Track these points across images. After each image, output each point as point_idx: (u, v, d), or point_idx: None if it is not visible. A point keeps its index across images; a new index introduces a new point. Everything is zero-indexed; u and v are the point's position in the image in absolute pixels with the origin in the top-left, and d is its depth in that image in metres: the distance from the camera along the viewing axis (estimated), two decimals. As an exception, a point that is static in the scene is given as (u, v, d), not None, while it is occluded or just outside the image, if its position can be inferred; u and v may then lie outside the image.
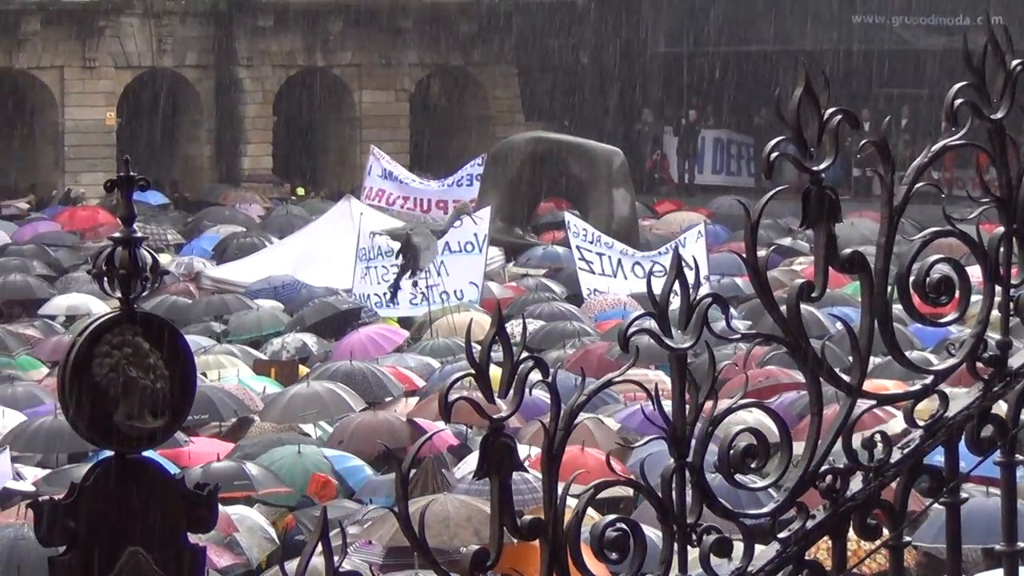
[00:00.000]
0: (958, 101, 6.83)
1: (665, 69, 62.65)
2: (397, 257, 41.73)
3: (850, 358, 6.83)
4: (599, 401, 22.96)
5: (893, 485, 6.97)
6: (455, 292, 39.69)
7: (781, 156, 6.72)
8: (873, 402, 6.91)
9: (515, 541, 6.62)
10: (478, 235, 44.78)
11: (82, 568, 6.87)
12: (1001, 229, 6.87)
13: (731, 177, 58.16)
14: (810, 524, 7.02)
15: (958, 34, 41.42)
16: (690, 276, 7.00)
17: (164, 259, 37.48)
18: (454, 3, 68.02)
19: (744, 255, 6.82)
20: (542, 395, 6.63)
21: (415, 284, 40.95)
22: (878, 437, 6.94)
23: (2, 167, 62.65)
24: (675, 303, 6.64)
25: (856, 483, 7.00)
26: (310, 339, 35.86)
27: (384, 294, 40.02)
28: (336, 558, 6.41)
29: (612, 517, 7.00)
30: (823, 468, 6.97)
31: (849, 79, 48.67)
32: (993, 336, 6.93)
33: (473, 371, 6.15)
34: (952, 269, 6.86)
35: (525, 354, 6.24)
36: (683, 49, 61.64)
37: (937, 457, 6.99)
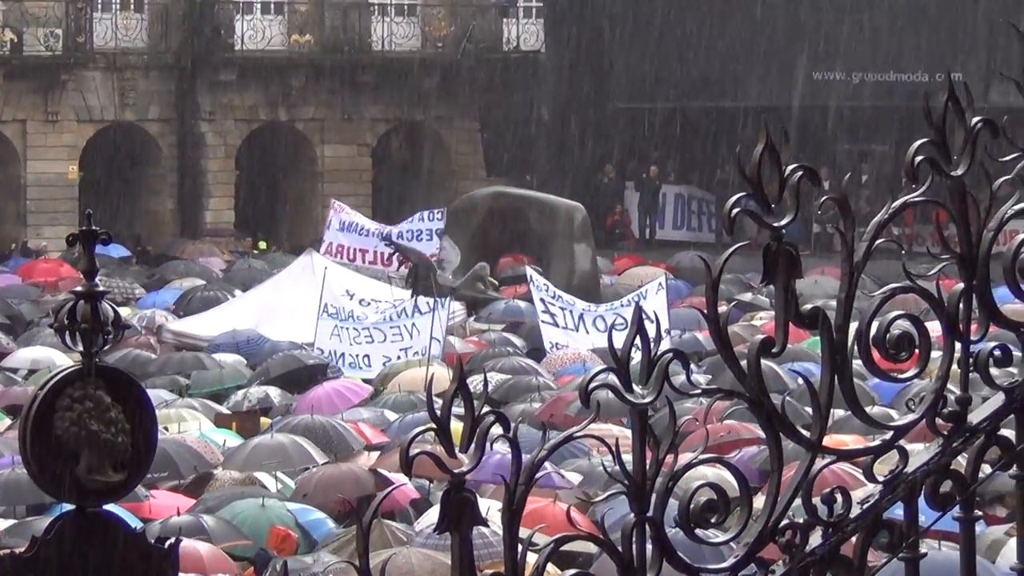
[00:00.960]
0: (918, 158, 6.84)
1: (626, 124, 62.75)
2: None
3: (810, 412, 6.86)
4: (567, 452, 22.99)
5: (852, 540, 6.99)
6: (421, 349, 39.89)
7: (742, 212, 6.73)
8: (833, 458, 6.93)
9: (477, 596, 6.66)
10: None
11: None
12: (961, 285, 6.89)
13: (692, 232, 58.26)
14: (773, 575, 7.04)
15: (919, 91, 41.37)
16: (651, 329, 7.03)
17: (126, 312, 37.49)
18: (415, 58, 68.18)
19: (705, 310, 6.86)
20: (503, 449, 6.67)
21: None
22: (838, 492, 6.97)
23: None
24: (636, 357, 6.65)
25: (816, 538, 7.02)
26: (273, 391, 35.96)
27: (368, 358, 40.13)
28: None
29: (571, 572, 7.03)
30: (783, 523, 6.98)
31: (810, 135, 48.79)
32: (953, 391, 6.95)
33: (434, 425, 6.16)
34: (912, 325, 6.87)
35: (487, 408, 6.26)
36: (644, 105, 61.72)
37: (896, 512, 7.01)
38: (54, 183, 62.64)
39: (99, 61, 64.03)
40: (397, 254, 49.74)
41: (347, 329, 41.57)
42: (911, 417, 7.15)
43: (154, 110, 65.25)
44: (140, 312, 44.30)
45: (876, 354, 6.88)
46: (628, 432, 6.72)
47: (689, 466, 6.70)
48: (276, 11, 67.51)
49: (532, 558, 6.81)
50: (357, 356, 40.16)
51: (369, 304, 43.10)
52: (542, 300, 43.13)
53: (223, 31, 66.00)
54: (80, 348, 6.48)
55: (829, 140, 51.49)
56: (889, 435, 7.03)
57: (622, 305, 41.62)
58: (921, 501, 7.02)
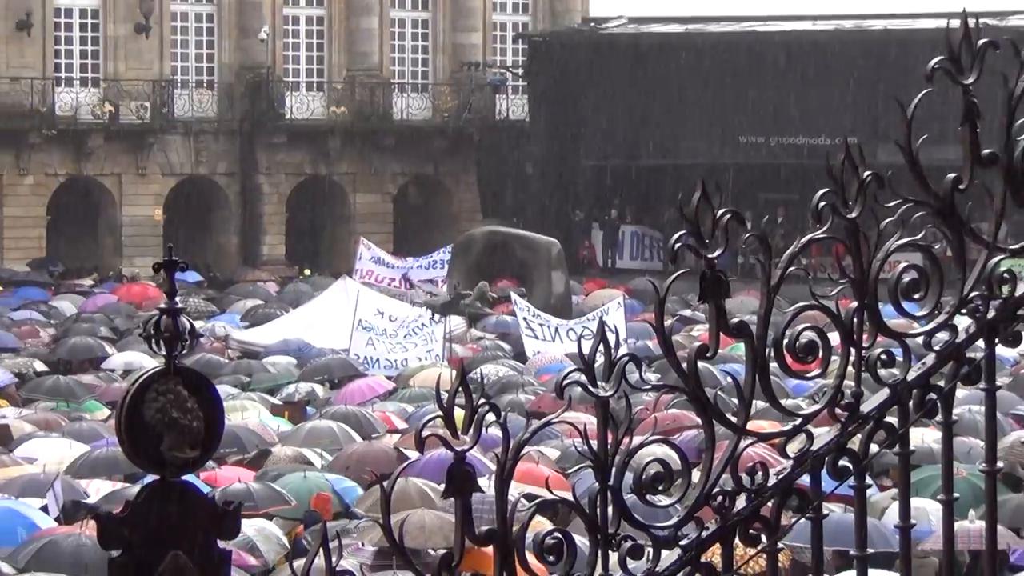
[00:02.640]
0: (822, 203, 6.87)
1: (592, 178, 62.70)
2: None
3: (736, 404, 6.87)
4: (546, 435, 22.98)
5: (770, 504, 7.00)
6: (430, 352, 39.90)
7: (684, 246, 6.76)
8: (754, 439, 6.95)
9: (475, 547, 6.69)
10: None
11: (134, 568, 6.89)
12: (855, 304, 6.92)
13: (645, 262, 58.17)
14: (704, 534, 7.04)
15: (822, 152, 41.62)
16: (612, 339, 7.05)
17: (199, 325, 37.43)
18: (427, 125, 68.01)
19: (654, 323, 6.90)
20: (496, 432, 6.59)
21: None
22: (758, 467, 6.98)
23: (73, 253, 62.46)
24: (600, 360, 6.69)
25: (741, 502, 7.04)
26: (316, 387, 35.94)
27: (392, 362, 40.22)
28: (333, 559, 6.45)
29: (550, 528, 7.03)
30: (715, 490, 6.99)
31: (738, 187, 48.81)
32: (849, 387, 6.96)
33: (441, 413, 6.20)
34: (816, 335, 6.89)
35: (482, 400, 6.28)
36: (607, 162, 61.68)
37: (804, 481, 7.04)
38: (143, 223, 62.42)
39: (179, 127, 63.78)
40: (419, 280, 50.06)
41: (379, 339, 41.60)
42: (816, 407, 7.19)
43: (222, 166, 65.03)
44: (211, 325, 44.12)
45: (788, 358, 6.90)
46: (593, 419, 6.73)
47: (641, 446, 6.71)
48: (317, 88, 67.31)
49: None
50: (390, 360, 40.16)
51: (395, 320, 43.13)
52: (524, 319, 43.20)
53: (275, 104, 65.80)
54: (163, 353, 6.51)
55: (753, 190, 51.39)
56: (799, 421, 7.05)
57: (588, 320, 41.44)
58: (824, 473, 7.04)
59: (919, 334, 7.28)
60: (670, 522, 6.97)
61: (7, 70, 62.57)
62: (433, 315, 43.98)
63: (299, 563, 7.70)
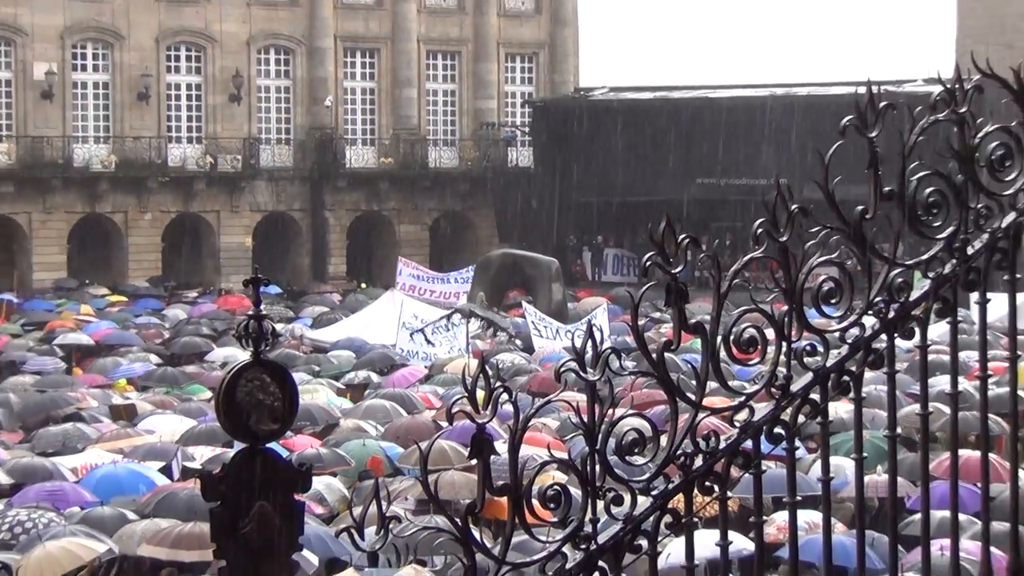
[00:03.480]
0: (759, 230, 6.86)
1: (582, 211, 62.44)
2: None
3: (695, 385, 6.86)
4: (547, 411, 22.96)
5: (721, 462, 7.00)
6: (460, 348, 39.92)
7: (653, 264, 6.75)
8: (708, 412, 6.95)
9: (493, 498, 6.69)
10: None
11: (229, 516, 6.92)
12: (786, 307, 6.90)
13: (623, 276, 57.80)
14: (671, 486, 7.04)
15: (759, 190, 41.26)
16: (598, 336, 7.05)
17: (279, 327, 37.35)
18: (455, 171, 67.75)
19: (630, 323, 6.93)
20: (509, 408, 6.58)
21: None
22: (712, 434, 6.98)
23: (182, 272, 62.28)
24: (589, 352, 6.71)
25: (699, 461, 7.03)
26: (372, 374, 35.84)
27: (428, 354, 40.29)
28: (384, 506, 6.46)
29: (551, 482, 7.03)
30: (678, 452, 6.99)
31: (693, 217, 48.63)
32: (781, 372, 6.96)
33: (466, 394, 6.23)
34: (756, 332, 6.88)
35: (498, 383, 6.29)
36: (593, 199, 61.32)
37: (747, 445, 7.03)
38: (236, 248, 62.27)
39: (263, 175, 63.62)
40: (455, 293, 50.10)
41: (417, 337, 41.65)
42: (756, 388, 7.19)
43: (296, 203, 64.80)
44: (289, 327, 44.10)
45: (734, 350, 6.90)
46: (584, 397, 6.74)
47: (621, 418, 6.73)
48: (370, 143, 67.05)
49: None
50: (426, 353, 40.15)
51: (429, 322, 43.22)
52: (532, 322, 43.10)
53: (338, 156, 65.64)
54: (251, 348, 6.54)
55: (706, 220, 51.10)
56: (743, 399, 7.06)
57: (581, 324, 41.43)
58: (763, 439, 7.03)
59: (836, 331, 7.27)
60: (644, 477, 6.99)
61: (130, 131, 62.50)
62: (459, 318, 44.09)
63: (358, 510, 7.78)
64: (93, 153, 62.17)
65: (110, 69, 63.04)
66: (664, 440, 7.19)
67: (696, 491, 7.26)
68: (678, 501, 7.25)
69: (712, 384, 7.12)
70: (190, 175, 63.55)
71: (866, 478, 8.83)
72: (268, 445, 7.04)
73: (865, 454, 8.38)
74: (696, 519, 7.57)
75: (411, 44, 67.58)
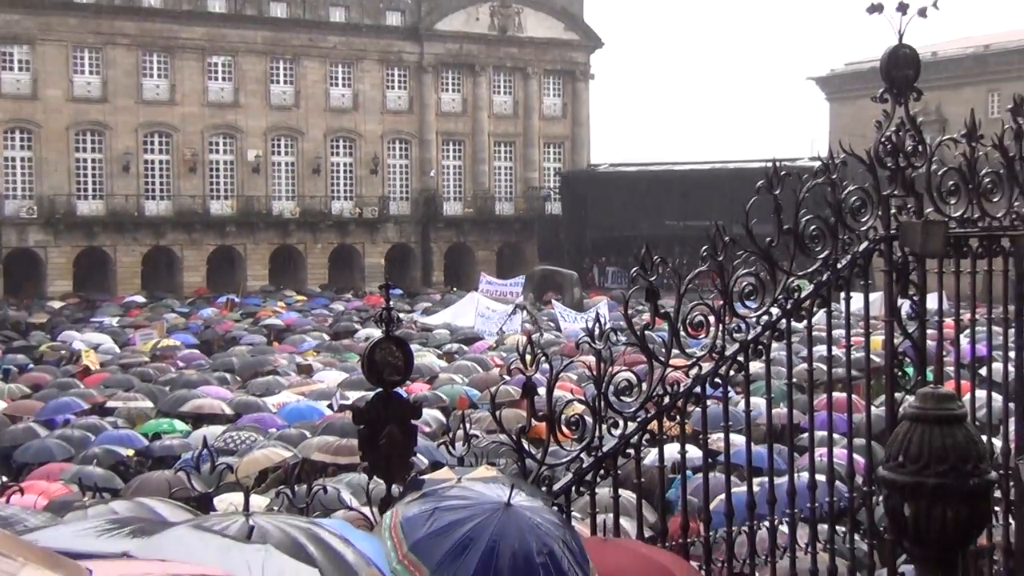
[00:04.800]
0: (705, 253, 6.86)
1: (593, 242, 62.36)
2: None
3: (663, 351, 6.85)
4: (570, 368, 22.93)
5: (680, 401, 6.98)
6: (514, 329, 40.00)
7: (638, 275, 6.76)
8: (673, 368, 6.94)
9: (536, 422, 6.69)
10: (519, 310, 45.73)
11: (370, 434, 6.96)
12: (721, 302, 6.88)
13: (618, 284, 57.18)
14: (649, 416, 7.04)
15: (707, 228, 41.27)
16: (602, 320, 7.02)
17: (401, 316, 37.41)
18: (512, 217, 67.63)
19: (623, 313, 6.92)
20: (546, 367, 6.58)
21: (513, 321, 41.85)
22: (675, 382, 6.97)
23: (341, 280, 62.21)
24: (597, 330, 6.71)
25: (667, 400, 7.02)
26: (461, 345, 35.89)
27: (495, 333, 40.29)
28: (467, 427, 6.47)
29: (573, 413, 7.04)
30: (653, 394, 6.99)
31: (663, 247, 48.59)
32: (719, 343, 6.94)
33: (520, 357, 6.25)
34: (703, 317, 6.87)
35: (540, 352, 6.33)
36: (600, 235, 61.23)
37: (697, 390, 7.00)
38: (375, 266, 62.25)
39: (392, 220, 63.81)
40: (511, 292, 50.13)
41: (488, 321, 41.66)
42: (702, 354, 7.16)
43: (412, 238, 64.78)
44: (407, 316, 44.09)
45: (689, 329, 6.89)
46: (593, 359, 6.76)
47: (617, 372, 6.72)
48: (458, 200, 66.95)
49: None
50: (493, 332, 40.10)
51: (496, 311, 43.17)
52: (560, 313, 43.15)
53: (439, 208, 65.69)
54: (384, 329, 6.56)
55: (672, 248, 51.15)
56: (694, 360, 7.05)
57: (590, 313, 41.32)
58: (707, 386, 7.01)
59: (753, 317, 7.25)
60: (631, 410, 6.98)
61: (308, 192, 62.75)
62: (516, 310, 44.11)
63: (450, 435, 7.88)
64: (284, 206, 62.51)
65: (295, 153, 63.33)
66: (644, 386, 7.21)
67: (665, 419, 7.27)
68: (654, 425, 7.25)
69: (676, 351, 7.14)
70: (346, 220, 63.77)
71: (774, 411, 8.82)
72: (395, 389, 7.09)
73: (773, 395, 8.39)
74: (665, 437, 7.57)
75: (484, 137, 67.71)
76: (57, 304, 51.48)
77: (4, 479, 15.72)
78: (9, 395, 25.94)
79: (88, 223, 57.59)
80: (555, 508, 6.91)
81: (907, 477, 3.41)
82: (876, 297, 7.80)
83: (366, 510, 8.25)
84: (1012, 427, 7.88)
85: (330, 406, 23.41)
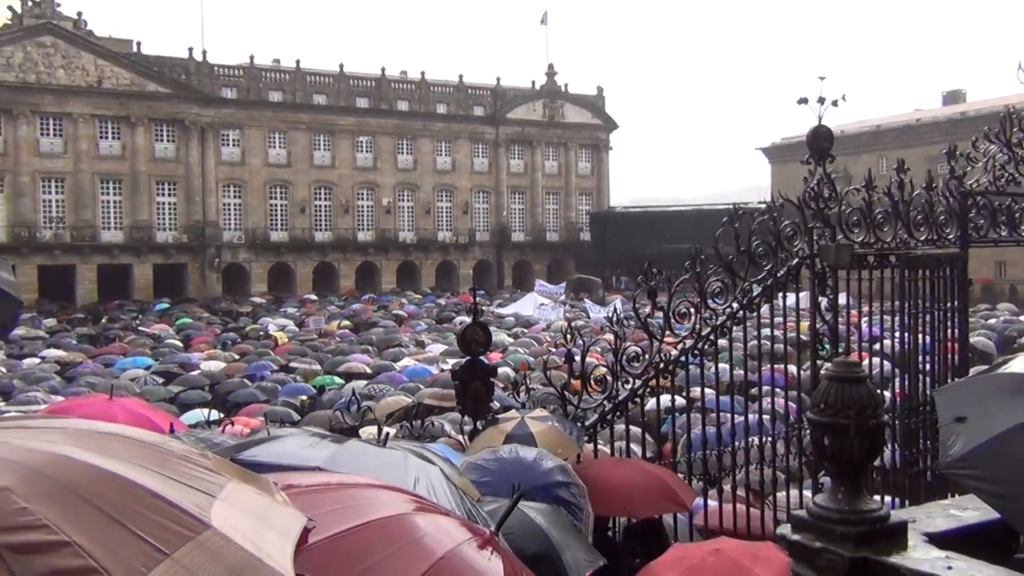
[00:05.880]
0: (688, 265, 6.78)
1: (612, 259, 61.91)
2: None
3: (659, 330, 6.76)
4: (598, 343, 22.87)
5: (672, 365, 6.90)
6: (558, 316, 39.95)
7: (643, 281, 6.70)
8: (668, 343, 6.88)
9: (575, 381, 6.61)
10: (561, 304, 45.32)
11: (462, 390, 6.94)
12: (698, 299, 6.80)
13: (628, 287, 57.46)
14: (650, 375, 6.97)
15: (691, 250, 40.78)
16: (617, 311, 6.92)
17: (484, 308, 37.44)
18: (557, 243, 67.05)
19: (632, 307, 6.80)
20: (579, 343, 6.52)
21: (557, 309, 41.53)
22: (668, 352, 6.89)
23: (444, 284, 62.38)
24: (614, 318, 6.61)
25: (662, 365, 6.95)
26: (523, 328, 35.76)
27: (545, 320, 39.84)
28: (528, 382, 6.41)
29: (599, 374, 6.95)
30: (654, 361, 6.92)
31: (660, 263, 48.69)
32: (697, 327, 6.86)
33: (563, 336, 6.18)
34: (686, 309, 6.79)
35: (578, 336, 6.26)
36: (617, 253, 60.55)
37: (683, 359, 6.91)
38: (466, 275, 62.14)
39: (477, 244, 63.51)
40: (558, 294, 49.57)
41: (542, 311, 41.40)
42: (685, 334, 7.08)
43: (491, 257, 64.70)
44: (487, 308, 43.97)
45: (676, 317, 6.81)
46: (613, 337, 6.71)
47: (628, 346, 6.65)
48: (522, 230, 66.58)
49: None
50: (544, 319, 39.86)
51: (547, 305, 42.84)
52: (588, 306, 42.68)
53: (508, 235, 65.57)
54: (472, 316, 6.52)
55: (668, 264, 50.80)
56: (680, 339, 6.96)
57: (609, 307, 40.86)
58: (689, 356, 6.93)
59: (721, 308, 7.16)
60: (638, 372, 6.91)
61: (423, 226, 62.88)
62: (560, 304, 43.83)
63: (515, 388, 7.81)
64: (406, 235, 62.65)
65: (413, 200, 63.52)
66: (647, 356, 7.15)
67: (661, 378, 7.21)
68: (653, 382, 7.19)
69: (668, 333, 7.08)
70: (447, 244, 63.91)
71: (734, 372, 8.77)
72: (479, 357, 7.08)
73: (733, 362, 8.31)
74: (660, 390, 7.50)
75: (539, 189, 67.54)
76: (257, 299, 52.14)
77: (221, 415, 15.88)
78: (226, 359, 26.32)
79: (277, 246, 58.30)
80: (586, 438, 6.85)
81: (826, 419, 3.36)
82: (803, 296, 7.68)
83: (460, 438, 8.25)
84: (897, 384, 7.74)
85: (435, 368, 23.49)
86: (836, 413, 3.29)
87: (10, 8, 51.00)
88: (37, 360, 26.71)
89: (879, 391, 5.65)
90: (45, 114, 51.46)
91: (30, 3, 50.84)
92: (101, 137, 53.07)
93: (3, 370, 23.32)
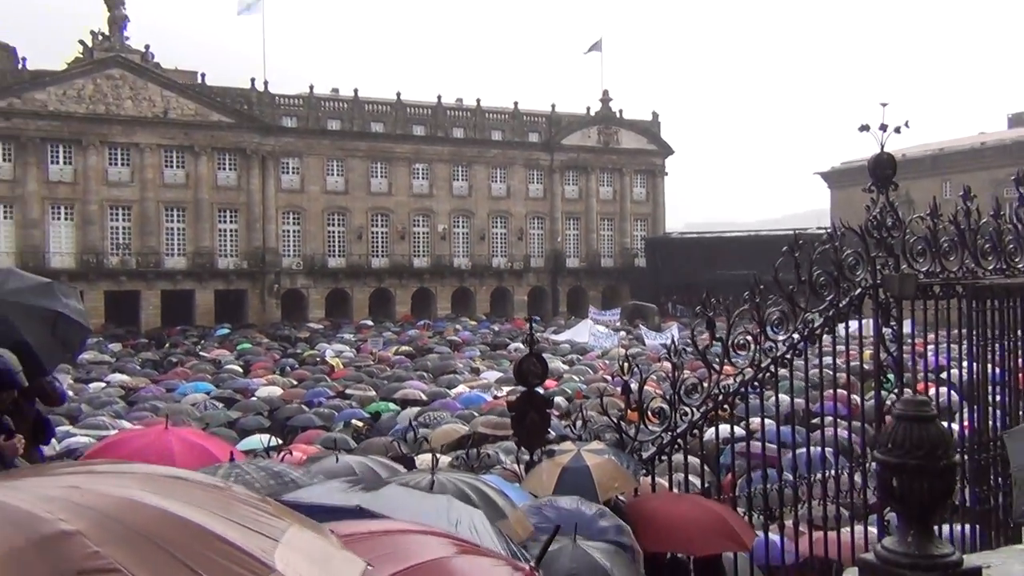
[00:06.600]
0: (747, 296, 6.68)
1: (667, 286, 61.32)
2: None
3: (718, 362, 6.66)
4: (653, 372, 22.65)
5: (730, 397, 6.78)
6: (614, 343, 39.62)
7: (701, 310, 6.61)
8: (724, 375, 6.77)
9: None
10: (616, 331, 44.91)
11: (519, 420, 6.88)
12: (758, 329, 6.69)
13: (684, 315, 56.98)
14: (708, 407, 6.85)
15: (749, 277, 40.27)
16: (675, 338, 6.82)
17: (538, 335, 37.40)
18: (612, 268, 66.62)
19: (690, 336, 6.71)
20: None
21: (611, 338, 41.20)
22: (726, 385, 6.78)
23: (498, 311, 62.45)
24: (671, 346, 6.52)
25: (720, 396, 6.84)
26: (577, 355, 35.54)
27: (601, 347, 39.49)
28: (583, 412, 6.34)
29: (657, 404, 6.83)
30: (712, 392, 6.81)
31: (716, 290, 48.04)
32: (757, 357, 6.74)
33: (619, 367, 6.09)
34: (745, 339, 6.69)
35: (635, 367, 6.18)
36: (671, 280, 59.98)
37: (741, 390, 6.79)
38: (521, 301, 62.20)
39: (531, 271, 63.49)
40: (610, 320, 49.31)
41: (597, 338, 41.12)
42: (745, 365, 6.95)
43: (545, 283, 64.61)
44: (541, 335, 43.88)
45: (735, 348, 6.70)
46: (670, 366, 6.63)
47: (686, 377, 6.56)
48: (576, 256, 66.43)
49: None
50: (601, 346, 39.59)
51: (602, 333, 42.52)
52: (643, 333, 42.22)
53: (562, 262, 65.53)
54: (528, 346, 6.49)
55: (725, 291, 50.31)
56: (740, 370, 6.85)
57: (665, 334, 40.41)
58: (749, 388, 6.81)
59: (780, 340, 7.03)
60: (697, 403, 6.80)
61: (478, 251, 63.17)
62: (616, 332, 43.55)
63: (572, 418, 7.74)
64: (461, 261, 63.00)
65: (468, 227, 63.86)
66: (705, 386, 7.04)
67: (719, 410, 7.08)
68: (712, 413, 7.07)
69: (727, 364, 6.96)
70: (502, 270, 64.06)
71: (795, 401, 8.59)
72: (535, 388, 7.04)
73: (794, 393, 8.14)
74: (719, 420, 7.38)
75: (593, 215, 67.42)
76: (315, 325, 52.71)
77: (280, 441, 15.98)
78: (284, 385, 26.61)
79: (335, 273, 58.99)
80: (643, 471, 6.75)
81: (895, 459, 3.25)
82: (866, 323, 7.51)
83: (516, 467, 8.19)
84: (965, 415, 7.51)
85: (491, 395, 23.45)
86: (905, 453, 3.19)
87: (81, 42, 52.74)
88: (103, 384, 27.31)
89: (946, 423, 5.44)
90: (113, 144, 52.95)
91: (100, 37, 52.45)
92: (166, 166, 54.42)
93: (72, 394, 23.90)
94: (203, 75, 56.15)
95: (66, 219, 52.25)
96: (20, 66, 52.49)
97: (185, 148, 54.48)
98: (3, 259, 48.48)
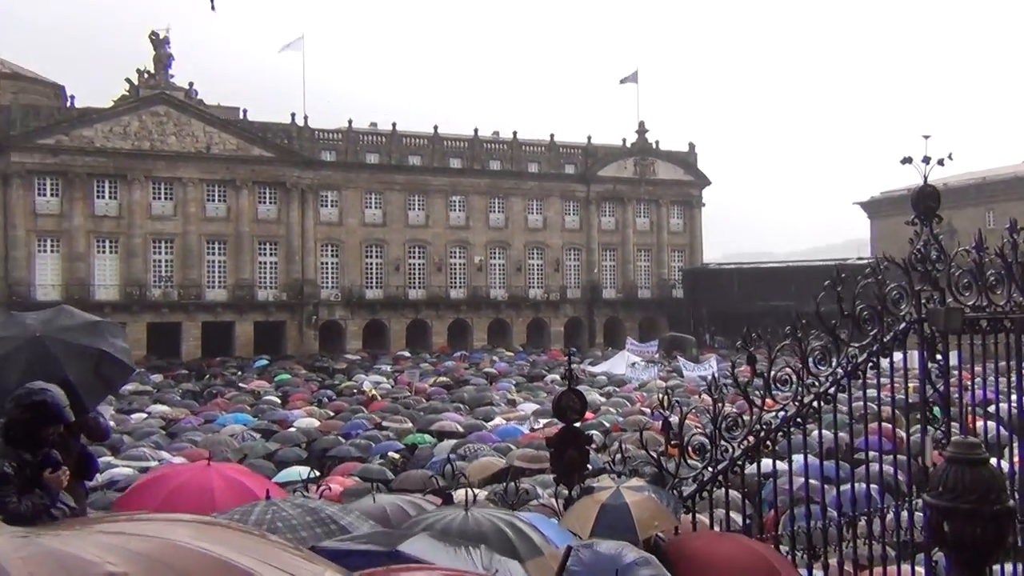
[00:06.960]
0: (788, 329, 6.58)
1: (705, 318, 60.90)
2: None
3: (759, 397, 6.56)
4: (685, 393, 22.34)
5: (772, 434, 6.67)
6: (652, 376, 39.21)
7: (742, 343, 6.52)
8: (766, 410, 6.66)
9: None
10: (654, 362, 44.51)
11: (557, 457, 6.81)
12: (800, 364, 6.59)
13: (722, 346, 56.42)
14: (749, 443, 6.74)
15: (789, 308, 39.43)
16: (713, 370, 6.73)
17: (575, 366, 37.34)
18: (649, 300, 66.41)
19: (729, 371, 6.62)
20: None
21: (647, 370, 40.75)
22: (768, 421, 6.67)
23: (535, 342, 62.25)
24: (707, 375, 6.43)
25: (762, 433, 6.72)
26: (614, 387, 35.22)
27: (638, 379, 39.13)
28: (621, 447, 6.27)
29: (698, 440, 6.72)
30: (754, 428, 6.70)
31: (755, 321, 47.66)
32: (800, 395, 6.63)
33: (659, 401, 6.01)
34: (787, 374, 6.58)
35: (674, 398, 6.11)
36: (709, 310, 59.61)
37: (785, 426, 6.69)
38: (558, 332, 62.14)
39: (568, 302, 63.08)
40: (646, 351, 48.82)
41: (634, 371, 40.76)
42: (788, 401, 6.84)
43: (582, 314, 64.43)
44: (578, 367, 43.62)
45: (776, 383, 6.60)
46: (710, 400, 6.49)
47: (728, 412, 6.46)
48: (612, 287, 66.36)
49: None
50: (638, 378, 39.18)
51: (639, 365, 42.19)
52: (682, 364, 41.62)
53: (599, 292, 65.32)
54: (567, 381, 6.44)
55: (765, 323, 49.83)
56: (782, 406, 6.74)
57: (704, 366, 39.88)
58: (790, 424, 6.69)
59: (824, 375, 6.91)
60: (737, 439, 6.69)
61: (514, 283, 63.31)
62: (653, 364, 43.21)
63: (609, 453, 7.63)
64: (498, 293, 63.10)
65: (505, 258, 63.99)
66: (746, 419, 6.93)
67: (760, 447, 6.97)
68: (753, 450, 6.95)
69: (768, 397, 6.84)
70: (538, 302, 64.00)
71: (840, 434, 8.45)
72: (574, 424, 6.97)
73: (837, 429, 8.01)
74: (760, 457, 7.25)
75: (630, 246, 67.26)
76: (352, 356, 52.94)
77: (317, 473, 15.99)
78: (321, 416, 26.70)
79: (372, 304, 59.36)
80: (684, 508, 6.65)
81: (946, 503, 3.15)
82: (910, 354, 7.36)
83: (554, 502, 8.11)
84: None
85: (528, 427, 23.31)
86: (956, 497, 3.09)
87: (127, 80, 54.05)
88: (144, 415, 27.58)
89: (995, 459, 5.31)
90: (157, 179, 54.01)
91: (146, 75, 53.73)
92: (208, 200, 55.34)
93: (113, 424, 24.18)
94: (245, 111, 57.22)
95: (111, 252, 53.23)
96: (68, 104, 54.14)
97: (227, 182, 55.37)
98: (50, 292, 49.76)
